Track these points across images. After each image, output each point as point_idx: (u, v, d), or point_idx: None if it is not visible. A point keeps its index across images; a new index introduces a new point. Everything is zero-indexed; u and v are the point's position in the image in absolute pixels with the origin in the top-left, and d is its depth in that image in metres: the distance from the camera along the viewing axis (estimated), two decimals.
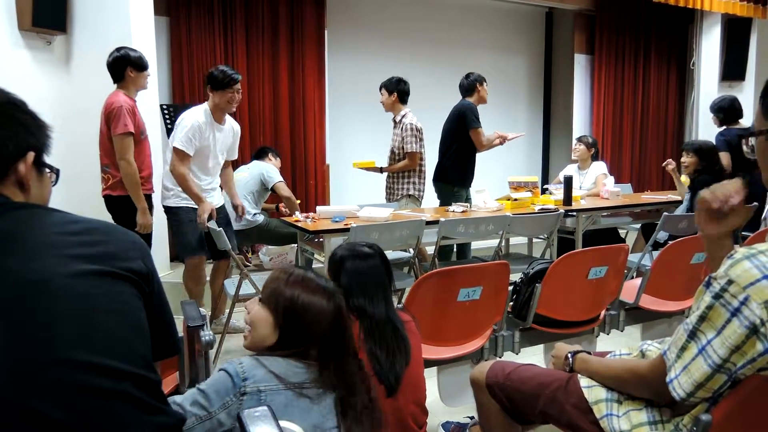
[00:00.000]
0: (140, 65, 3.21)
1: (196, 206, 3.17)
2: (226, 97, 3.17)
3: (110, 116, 3.09)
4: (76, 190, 3.68)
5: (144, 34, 3.83)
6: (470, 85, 4.35)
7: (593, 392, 1.38)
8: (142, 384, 0.88)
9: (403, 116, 4.13)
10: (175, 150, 3.10)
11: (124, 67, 3.17)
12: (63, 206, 1.00)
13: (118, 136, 3.08)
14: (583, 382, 1.42)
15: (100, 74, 3.77)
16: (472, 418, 2.17)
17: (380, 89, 4.19)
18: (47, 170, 1.04)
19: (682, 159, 3.89)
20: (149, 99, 3.83)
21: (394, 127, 4.21)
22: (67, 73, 3.88)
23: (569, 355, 1.50)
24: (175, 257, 4.29)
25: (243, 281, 3.02)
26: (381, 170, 4.18)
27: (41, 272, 0.85)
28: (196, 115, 3.13)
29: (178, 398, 1.18)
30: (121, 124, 3.06)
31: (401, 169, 4.14)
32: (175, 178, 3.14)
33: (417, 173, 4.17)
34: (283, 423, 0.94)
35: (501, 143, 4.34)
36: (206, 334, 1.55)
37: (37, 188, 1.00)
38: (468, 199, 4.26)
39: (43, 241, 0.90)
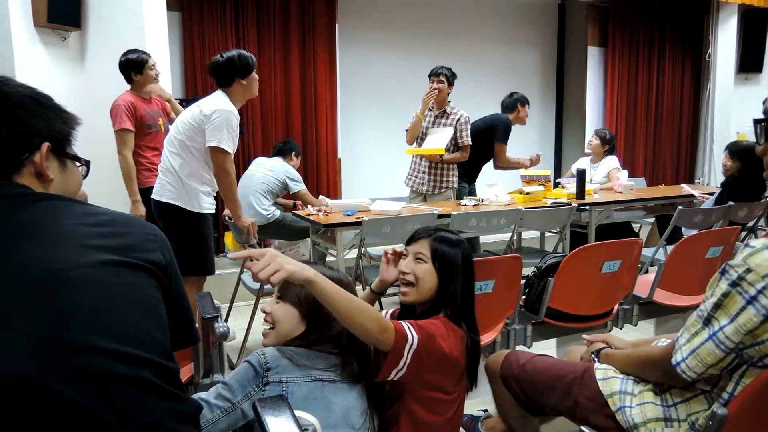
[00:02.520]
0: (137, 66, 3.36)
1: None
2: (252, 84, 2.85)
3: (111, 115, 3.35)
4: (89, 182, 3.72)
5: (157, 29, 3.85)
6: (512, 104, 4.40)
7: (608, 384, 1.38)
8: (161, 371, 0.89)
9: (453, 108, 4.07)
10: (222, 151, 2.72)
11: (128, 71, 3.40)
12: None
13: (115, 133, 3.33)
14: (599, 374, 1.42)
15: (114, 69, 3.81)
16: (485, 411, 2.17)
17: (436, 75, 4.03)
18: (76, 162, 1.04)
19: (723, 160, 3.80)
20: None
21: (438, 116, 4.10)
22: (81, 68, 3.91)
23: (593, 355, 1.52)
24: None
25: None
26: (441, 159, 4.01)
27: (62, 261, 0.86)
28: (232, 110, 2.77)
29: (203, 395, 1.20)
30: (117, 121, 3.30)
31: (457, 160, 4.08)
32: (227, 183, 2.79)
33: (456, 166, 4.14)
34: (297, 413, 0.95)
35: (528, 166, 4.34)
36: (220, 325, 1.58)
37: (60, 179, 0.99)
38: (471, 193, 4.27)
39: (64, 231, 0.90)
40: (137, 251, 0.94)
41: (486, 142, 4.27)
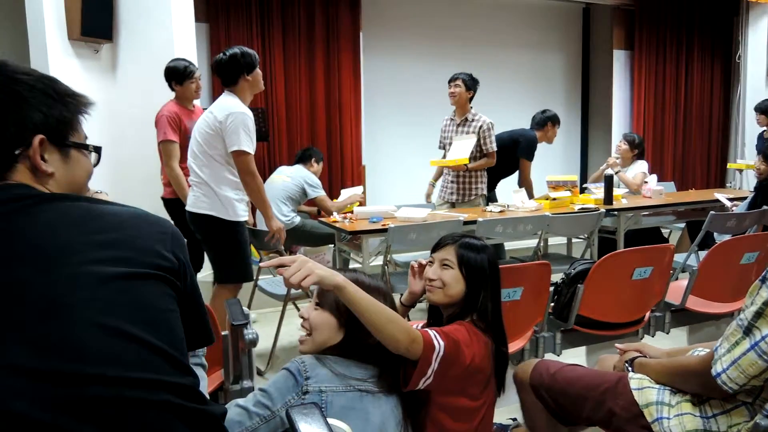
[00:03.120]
0: (178, 77, 3.34)
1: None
2: (258, 79, 2.84)
3: (156, 126, 3.33)
4: (122, 188, 3.81)
5: (185, 41, 3.93)
6: (543, 121, 4.41)
7: (643, 394, 1.36)
8: (177, 391, 0.84)
9: (475, 115, 4.06)
10: (243, 153, 2.70)
11: (169, 81, 3.39)
12: None
13: (159, 144, 3.31)
14: (633, 384, 1.40)
15: (145, 80, 3.90)
16: (514, 419, 2.15)
17: (454, 80, 4.02)
18: (83, 150, 0.95)
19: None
20: None
21: (459, 124, 4.10)
22: (113, 80, 4.01)
23: (627, 364, 1.49)
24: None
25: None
26: (467, 168, 3.99)
27: (63, 286, 0.79)
28: (245, 110, 2.74)
29: (241, 401, 1.19)
30: (161, 132, 3.29)
31: (483, 167, 4.06)
32: (253, 185, 2.78)
33: (484, 173, 4.12)
34: (330, 420, 0.95)
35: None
36: (250, 332, 1.59)
37: (63, 171, 0.91)
38: (493, 200, 4.25)
39: (64, 247, 0.81)
40: (147, 256, 0.87)
41: (508, 155, 4.24)
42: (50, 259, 0.80)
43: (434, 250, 1.57)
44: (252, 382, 1.68)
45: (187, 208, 2.86)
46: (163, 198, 3.49)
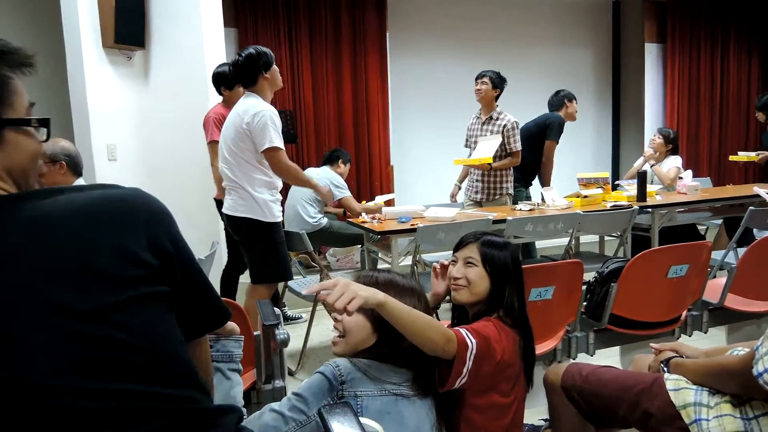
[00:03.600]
0: (228, 81, 3.38)
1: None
2: (276, 76, 2.84)
3: (204, 127, 3.41)
4: (154, 190, 3.90)
5: (215, 46, 3.99)
6: (559, 102, 4.34)
7: (680, 395, 1.33)
8: (186, 415, 0.78)
9: (500, 113, 4.02)
10: (275, 149, 2.73)
11: (218, 85, 3.45)
12: None
13: (207, 145, 3.39)
14: (669, 384, 1.36)
15: (176, 85, 3.98)
16: (547, 420, 2.12)
17: (480, 77, 4.00)
18: (24, 127, 0.78)
19: None
20: None
21: (485, 122, 4.07)
22: (145, 85, 4.10)
23: (662, 364, 1.46)
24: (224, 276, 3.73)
25: (323, 281, 3.09)
26: (491, 167, 3.96)
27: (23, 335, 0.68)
28: (268, 107, 2.77)
29: (276, 406, 1.19)
30: (208, 133, 3.37)
31: (507, 166, 4.03)
32: (291, 176, 2.86)
33: (510, 172, 4.09)
34: (363, 420, 0.95)
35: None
36: (281, 332, 1.61)
37: (1, 157, 0.75)
38: (528, 198, 4.19)
39: (14, 286, 0.68)
40: (118, 271, 0.73)
41: (540, 143, 4.20)
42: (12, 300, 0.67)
43: (456, 249, 1.57)
44: (283, 382, 1.70)
45: (225, 211, 2.89)
46: (215, 199, 3.53)
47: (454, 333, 1.27)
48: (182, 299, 0.82)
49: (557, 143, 4.25)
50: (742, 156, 5.02)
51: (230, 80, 3.36)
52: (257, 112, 2.70)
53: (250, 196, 2.78)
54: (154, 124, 4.01)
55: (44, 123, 0.80)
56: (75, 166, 2.55)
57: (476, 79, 4.04)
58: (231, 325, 1.21)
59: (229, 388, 1.16)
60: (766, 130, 4.45)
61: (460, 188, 4.38)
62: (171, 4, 3.93)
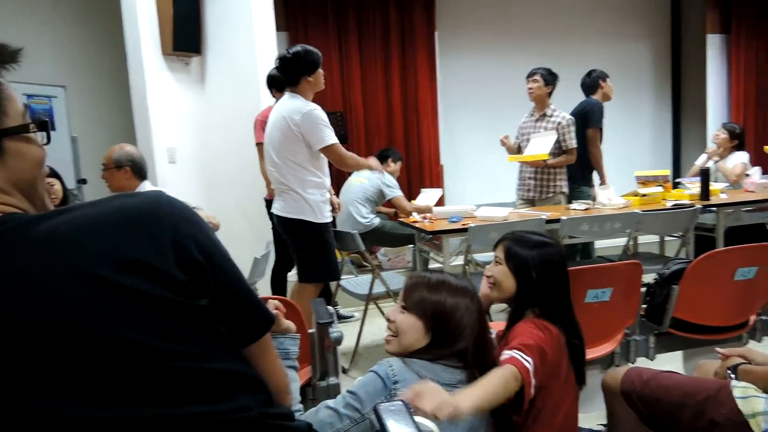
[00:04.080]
0: (279, 84, 3.40)
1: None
2: (319, 79, 2.83)
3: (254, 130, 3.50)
4: (214, 197, 4.03)
5: (267, 50, 4.09)
6: (593, 83, 4.16)
7: (749, 404, 1.26)
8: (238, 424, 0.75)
9: (554, 110, 3.94)
10: (331, 146, 2.74)
11: (270, 88, 3.54)
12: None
13: (255, 147, 3.48)
14: (737, 392, 1.30)
15: (230, 89, 4.10)
16: (605, 425, 2.06)
17: (533, 75, 3.92)
18: (23, 135, 0.71)
19: None
20: None
21: (538, 120, 3.98)
22: (202, 90, 4.24)
23: (729, 371, 1.40)
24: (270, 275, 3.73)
25: (375, 280, 3.12)
26: (546, 164, 3.87)
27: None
28: (313, 106, 2.77)
29: (331, 402, 1.21)
30: (256, 135, 3.46)
31: (563, 164, 3.93)
32: (351, 164, 2.88)
33: (564, 170, 3.99)
34: (417, 418, 0.96)
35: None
36: (335, 330, 1.64)
37: (1, 173, 0.70)
38: (589, 196, 4.06)
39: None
40: (161, 277, 0.68)
41: (584, 133, 4.05)
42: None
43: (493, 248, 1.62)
44: (337, 379, 1.72)
45: (276, 212, 2.91)
46: (265, 199, 3.62)
47: (512, 366, 1.27)
48: (221, 309, 0.76)
49: (601, 130, 4.07)
50: None
51: (281, 83, 3.37)
52: (305, 112, 2.70)
53: (301, 197, 2.80)
54: (211, 127, 4.15)
55: (42, 126, 0.74)
56: (139, 170, 2.66)
57: (527, 77, 3.97)
58: (287, 323, 1.23)
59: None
60: None
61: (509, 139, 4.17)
62: (225, 11, 4.05)
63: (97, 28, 4.81)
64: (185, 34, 3.93)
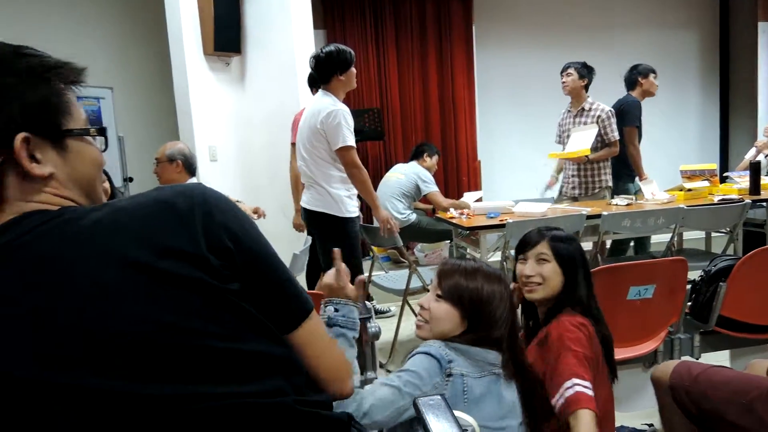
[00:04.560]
0: (316, 84, 3.44)
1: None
2: (351, 78, 2.85)
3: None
4: (253, 194, 4.11)
5: (305, 48, 4.14)
6: (632, 79, 4.05)
7: None
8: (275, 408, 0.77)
9: (593, 104, 3.86)
10: (348, 148, 2.78)
11: (311, 87, 3.54)
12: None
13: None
14: None
15: (269, 88, 4.16)
16: (650, 425, 2.02)
17: (566, 69, 3.87)
18: (85, 137, 0.77)
19: None
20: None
21: (576, 115, 3.92)
22: (242, 89, 4.32)
23: None
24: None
25: (412, 275, 3.13)
26: (588, 159, 3.80)
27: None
28: (341, 106, 2.80)
29: (388, 380, 1.21)
30: (291, 135, 3.49)
31: (605, 157, 3.85)
32: (360, 177, 2.84)
33: (608, 163, 3.90)
34: (457, 413, 0.96)
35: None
36: (373, 325, 1.65)
37: (64, 168, 0.74)
38: (636, 193, 3.97)
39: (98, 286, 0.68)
40: (187, 268, 0.71)
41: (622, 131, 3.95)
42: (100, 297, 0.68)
43: (522, 248, 1.59)
44: (375, 374, 1.74)
45: (304, 205, 2.98)
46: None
47: (588, 411, 1.27)
48: (255, 294, 0.78)
49: (639, 128, 3.95)
50: None
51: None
52: (330, 111, 2.76)
53: (326, 191, 2.87)
54: (250, 126, 4.23)
55: (102, 132, 0.80)
56: (189, 166, 2.85)
57: (561, 72, 3.90)
58: (354, 291, 1.27)
59: (353, 357, 1.18)
60: None
61: (557, 180, 4.22)
62: (264, 11, 4.12)
63: (141, 30, 4.96)
64: (225, 35, 4.02)
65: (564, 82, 3.86)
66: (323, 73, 2.84)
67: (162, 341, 0.70)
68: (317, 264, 3.72)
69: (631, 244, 4.06)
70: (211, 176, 3.95)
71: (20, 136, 0.69)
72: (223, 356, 0.73)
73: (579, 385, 1.30)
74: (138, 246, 0.70)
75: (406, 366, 1.24)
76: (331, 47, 2.82)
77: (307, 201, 2.98)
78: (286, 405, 0.78)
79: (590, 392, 1.29)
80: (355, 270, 3.03)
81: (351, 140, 2.79)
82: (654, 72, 4.06)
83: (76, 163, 0.76)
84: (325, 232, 2.96)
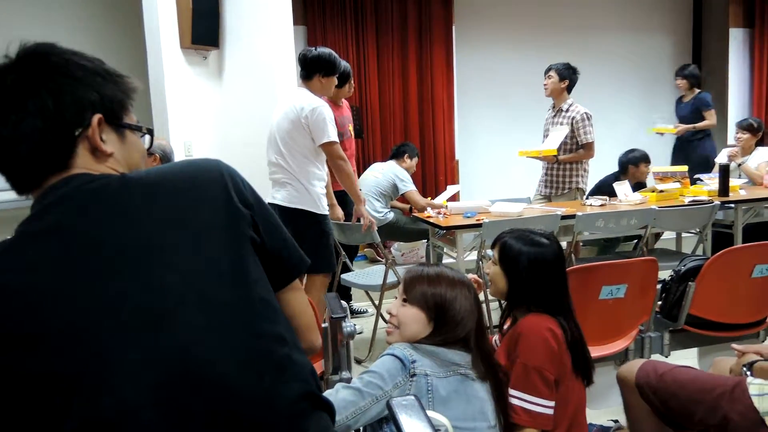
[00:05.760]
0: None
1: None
2: (329, 87, 2.95)
3: None
4: None
5: (285, 44, 4.10)
6: (622, 167, 4.20)
7: (765, 401, 1.26)
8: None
9: (570, 105, 3.91)
10: (333, 143, 2.83)
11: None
12: None
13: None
14: (753, 389, 1.30)
15: (248, 83, 4.11)
16: (615, 421, 2.06)
17: (548, 71, 3.93)
18: (137, 131, 0.93)
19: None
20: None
21: (555, 115, 3.97)
22: (219, 84, 4.27)
23: (745, 368, 1.39)
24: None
25: (389, 271, 3.17)
26: (557, 159, 3.86)
27: (168, 294, 0.78)
28: (323, 102, 2.87)
29: (356, 381, 1.26)
30: (329, 133, 3.44)
31: (576, 159, 3.91)
32: (346, 169, 2.92)
33: (585, 164, 3.96)
34: (429, 413, 0.97)
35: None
36: (348, 325, 1.65)
37: (120, 152, 0.88)
38: None
39: (151, 246, 0.80)
40: (233, 226, 0.85)
41: None
42: (149, 269, 0.79)
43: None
44: (350, 373, 1.74)
45: (278, 203, 2.92)
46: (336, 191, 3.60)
47: (520, 418, 1.35)
48: (268, 248, 0.90)
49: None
50: (662, 128, 5.08)
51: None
52: (315, 107, 2.78)
53: (304, 188, 2.86)
54: (228, 121, 4.18)
55: (150, 132, 0.96)
56: (168, 161, 2.82)
57: (544, 73, 3.96)
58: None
59: None
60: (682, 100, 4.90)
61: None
62: (243, 5, 4.07)
63: (116, 21, 4.86)
64: (203, 27, 3.95)
65: (545, 84, 3.92)
66: (308, 69, 2.88)
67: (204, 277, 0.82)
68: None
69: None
70: None
71: (97, 116, 0.84)
72: (255, 300, 0.85)
73: (529, 405, 1.36)
74: (181, 196, 0.86)
75: (371, 367, 1.28)
76: (327, 50, 2.90)
77: (282, 198, 2.93)
78: (286, 355, 0.86)
79: (539, 408, 1.35)
80: (331, 265, 3.04)
81: (335, 136, 2.83)
82: (645, 161, 4.17)
83: (129, 150, 0.91)
84: (303, 229, 2.89)
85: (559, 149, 3.82)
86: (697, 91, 5.01)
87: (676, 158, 5.08)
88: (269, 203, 2.87)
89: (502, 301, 1.64)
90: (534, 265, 1.52)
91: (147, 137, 0.95)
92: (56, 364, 0.72)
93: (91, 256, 0.77)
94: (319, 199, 2.90)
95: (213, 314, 0.79)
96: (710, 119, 4.88)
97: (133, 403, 0.72)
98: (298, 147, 2.83)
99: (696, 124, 4.86)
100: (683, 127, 4.95)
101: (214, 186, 0.88)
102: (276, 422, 0.80)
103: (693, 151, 4.88)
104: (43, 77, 0.82)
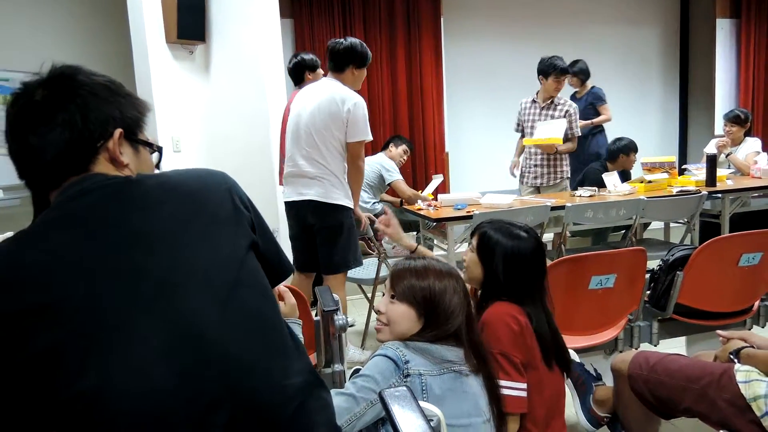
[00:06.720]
0: (313, 67, 3.48)
1: None
2: (360, 77, 2.84)
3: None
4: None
5: (272, 37, 4.07)
6: (612, 155, 4.27)
7: (751, 387, 1.27)
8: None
9: (560, 99, 3.97)
10: (362, 144, 2.74)
11: (302, 71, 3.53)
12: None
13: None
14: (740, 376, 1.31)
15: (235, 77, 4.08)
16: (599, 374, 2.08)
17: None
18: (147, 147, 1.03)
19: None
20: (278, 98, 4.03)
21: (544, 107, 3.98)
22: (206, 78, 4.24)
23: (731, 355, 1.41)
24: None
25: (382, 264, 3.17)
26: (557, 149, 3.88)
27: (181, 270, 0.86)
28: (361, 97, 2.76)
29: (349, 387, 1.23)
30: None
31: (570, 150, 3.97)
32: (361, 177, 2.83)
33: (567, 157, 4.03)
34: (422, 404, 0.97)
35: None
36: (340, 318, 1.65)
37: (134, 164, 0.99)
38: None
39: (165, 231, 0.89)
40: (239, 233, 0.95)
41: None
42: (165, 246, 0.88)
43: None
44: (343, 366, 1.74)
45: (315, 198, 2.75)
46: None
47: (508, 405, 1.36)
48: (262, 250, 0.99)
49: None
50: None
51: (313, 67, 3.45)
52: (357, 102, 2.66)
53: (340, 183, 2.75)
54: (216, 116, 4.15)
55: (159, 150, 1.06)
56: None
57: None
58: (291, 307, 1.29)
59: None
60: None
61: (519, 163, 4.25)
62: None
63: (101, 16, 4.80)
64: (189, 22, 3.92)
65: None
66: (340, 61, 2.74)
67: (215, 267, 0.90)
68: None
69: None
70: (175, 167, 3.86)
71: (118, 130, 0.95)
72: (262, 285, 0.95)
73: (509, 391, 1.37)
74: (196, 197, 0.96)
75: (363, 370, 1.25)
76: (357, 41, 2.78)
77: (317, 194, 2.74)
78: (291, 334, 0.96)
79: (516, 392, 1.37)
80: (360, 261, 2.91)
81: (370, 135, 2.73)
82: (633, 150, 4.21)
83: (141, 163, 1.01)
84: (339, 224, 2.78)
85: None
86: (589, 86, 4.86)
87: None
88: (294, 200, 2.83)
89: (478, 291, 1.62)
90: (510, 258, 1.51)
91: (156, 154, 1.06)
92: (73, 329, 0.77)
93: (109, 238, 0.85)
94: (350, 195, 2.80)
95: (218, 292, 0.87)
96: (605, 113, 4.76)
97: (146, 361, 0.79)
98: (334, 141, 2.69)
99: (593, 120, 4.73)
100: (582, 123, 4.87)
101: (221, 189, 0.98)
102: (275, 385, 0.87)
103: (587, 147, 4.75)
104: (71, 94, 0.91)
